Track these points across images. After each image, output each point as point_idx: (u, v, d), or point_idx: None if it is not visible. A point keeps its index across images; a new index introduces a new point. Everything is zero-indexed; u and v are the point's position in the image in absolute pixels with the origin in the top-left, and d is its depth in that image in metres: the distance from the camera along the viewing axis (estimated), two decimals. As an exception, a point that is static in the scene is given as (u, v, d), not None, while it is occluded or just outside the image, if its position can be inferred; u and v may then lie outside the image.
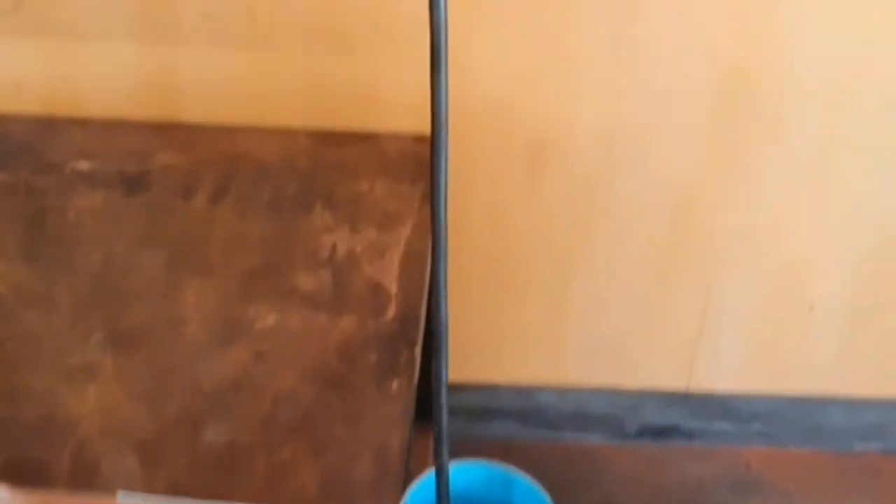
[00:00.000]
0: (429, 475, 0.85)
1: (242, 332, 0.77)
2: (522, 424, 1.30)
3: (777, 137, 1.06)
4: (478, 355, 1.24)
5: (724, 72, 1.03)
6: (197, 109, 1.05)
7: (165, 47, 1.02)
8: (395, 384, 0.72)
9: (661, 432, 1.31)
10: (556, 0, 0.98)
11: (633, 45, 1.01)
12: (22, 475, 0.65)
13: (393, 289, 0.80)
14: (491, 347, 1.24)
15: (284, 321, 0.78)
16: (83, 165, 0.92)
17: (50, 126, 0.95)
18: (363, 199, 0.90)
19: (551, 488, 0.90)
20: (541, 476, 0.92)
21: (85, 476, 0.65)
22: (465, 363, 1.23)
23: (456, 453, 0.75)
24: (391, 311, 0.78)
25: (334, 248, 0.84)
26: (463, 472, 0.88)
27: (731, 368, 1.27)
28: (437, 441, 0.52)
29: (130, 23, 1.02)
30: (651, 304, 1.21)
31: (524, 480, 0.88)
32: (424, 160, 0.96)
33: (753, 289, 1.19)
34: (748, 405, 1.28)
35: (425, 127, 1.01)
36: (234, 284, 0.81)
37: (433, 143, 0.59)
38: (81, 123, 0.97)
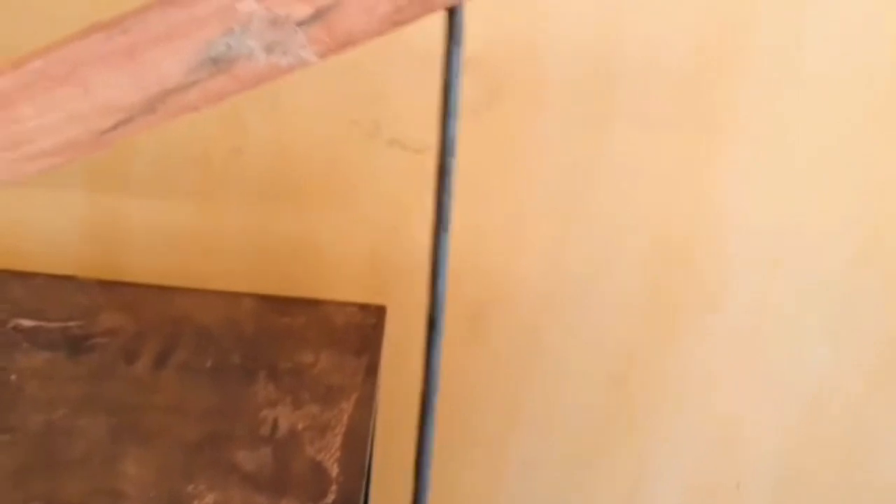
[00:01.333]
0: None
1: (181, 511, 0.76)
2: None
3: (714, 306, 1.11)
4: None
5: (662, 242, 1.08)
6: (143, 266, 1.06)
7: (114, 196, 1.03)
8: (333, 575, 0.73)
9: None
10: (503, 160, 1.02)
11: (578, 210, 1.05)
12: None
13: (334, 471, 0.81)
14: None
15: (224, 500, 0.77)
16: (26, 323, 0.91)
17: (-6, 279, 0.95)
18: (307, 372, 0.90)
19: None
20: None
21: None
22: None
23: None
24: (331, 496, 0.79)
25: (276, 423, 0.85)
26: None
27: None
28: None
29: (79, 170, 1.03)
30: (587, 468, 1.23)
31: None
32: (370, 331, 0.98)
33: (685, 461, 1.22)
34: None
35: (370, 295, 1.04)
36: (175, 457, 0.81)
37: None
38: (24, 278, 0.97)
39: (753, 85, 0.98)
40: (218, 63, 0.45)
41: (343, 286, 1.06)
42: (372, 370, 0.91)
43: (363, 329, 0.96)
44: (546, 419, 1.20)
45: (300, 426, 0.85)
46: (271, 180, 1.05)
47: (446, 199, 0.59)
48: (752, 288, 1.10)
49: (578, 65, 0.98)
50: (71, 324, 0.92)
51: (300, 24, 0.45)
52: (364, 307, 0.98)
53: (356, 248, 1.07)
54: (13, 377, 0.86)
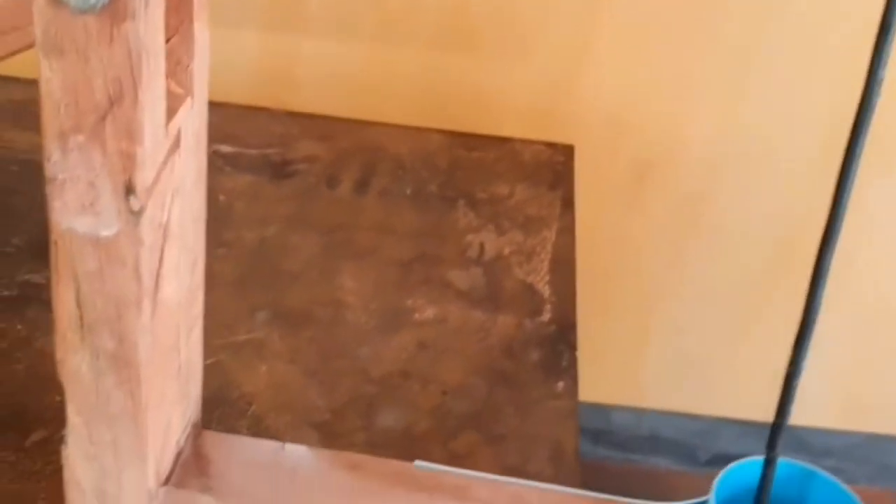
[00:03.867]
0: (734, 468, 0.82)
1: (404, 322, 0.77)
2: (593, 443, 1.31)
3: (892, 172, 1.08)
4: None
5: (844, 105, 1.04)
6: (315, 105, 1.06)
7: (288, 37, 1.03)
8: (560, 384, 0.73)
9: (733, 461, 1.31)
10: (678, 16, 1.00)
11: (755, 66, 1.02)
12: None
13: (546, 292, 0.81)
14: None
15: (443, 315, 0.78)
16: (225, 149, 0.92)
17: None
18: (504, 202, 0.90)
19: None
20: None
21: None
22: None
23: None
24: (547, 314, 0.79)
25: (482, 247, 0.85)
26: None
27: (810, 403, 1.27)
28: (775, 431, 0.52)
29: (253, 10, 1.03)
30: (738, 333, 1.22)
31: (830, 480, 0.86)
32: (560, 167, 0.98)
33: (844, 330, 1.20)
34: (823, 440, 1.29)
35: (553, 134, 1.03)
36: (390, 273, 0.81)
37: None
38: (218, 107, 0.97)
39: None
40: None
41: (524, 125, 1.05)
42: (568, 203, 0.91)
43: (553, 165, 0.96)
44: (702, 285, 1.19)
45: (506, 251, 0.85)
46: (447, 24, 1.03)
47: None
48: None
49: None
50: (269, 151, 0.92)
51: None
52: (551, 145, 0.98)
53: (533, 92, 1.06)
54: (221, 197, 0.87)
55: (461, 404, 0.71)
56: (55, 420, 0.66)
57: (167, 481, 0.38)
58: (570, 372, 0.74)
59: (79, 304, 0.33)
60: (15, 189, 0.84)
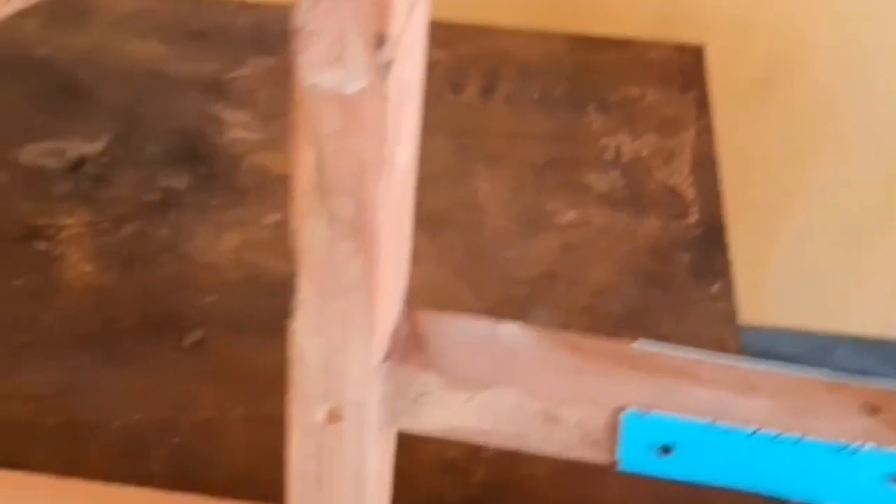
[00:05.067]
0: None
1: (545, 225, 0.75)
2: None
3: None
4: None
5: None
6: (446, 8, 1.03)
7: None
8: (716, 286, 0.71)
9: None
10: None
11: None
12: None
13: (690, 194, 0.79)
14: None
15: (585, 217, 0.76)
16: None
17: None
18: (636, 105, 0.87)
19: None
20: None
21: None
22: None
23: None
24: (693, 216, 0.77)
25: (618, 150, 0.83)
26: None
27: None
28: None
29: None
30: (861, 246, 1.18)
31: None
32: (691, 68, 0.94)
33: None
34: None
35: (678, 36, 0.99)
36: (526, 177, 0.79)
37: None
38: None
39: None
40: None
41: (645, 32, 1.02)
42: (703, 104, 0.88)
43: (683, 67, 0.92)
44: (827, 192, 1.15)
45: (644, 153, 0.82)
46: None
47: None
48: None
49: None
50: (391, 56, 0.90)
51: None
52: (680, 47, 0.94)
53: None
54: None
55: (614, 306, 0.69)
56: (209, 321, 0.65)
57: (387, 358, 0.36)
58: (724, 274, 0.72)
59: (318, 168, 0.31)
60: (143, 98, 0.83)
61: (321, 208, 0.32)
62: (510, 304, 0.69)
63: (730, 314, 0.69)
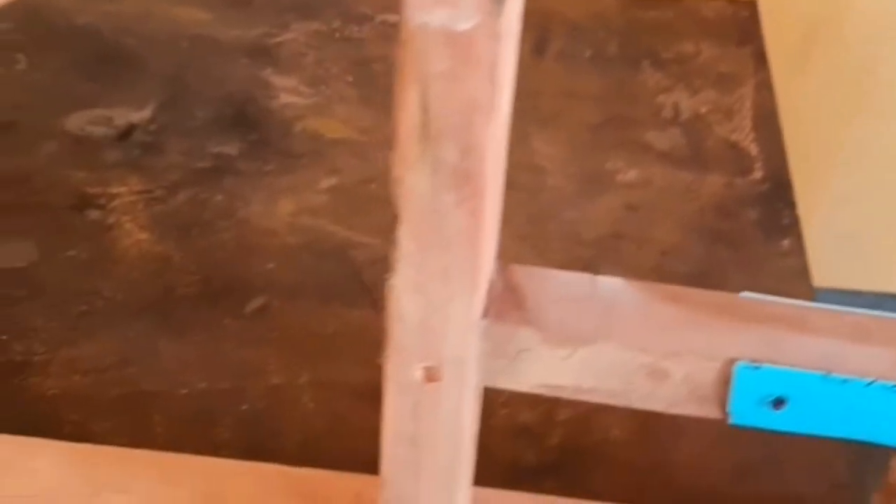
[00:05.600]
0: None
1: (606, 184, 0.73)
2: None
3: None
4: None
5: None
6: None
7: None
8: (785, 242, 0.69)
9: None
10: None
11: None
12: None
13: (753, 150, 0.76)
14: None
15: (647, 176, 0.74)
16: (392, 17, 0.88)
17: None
18: (691, 61, 0.85)
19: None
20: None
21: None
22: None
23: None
24: (758, 173, 0.74)
25: (676, 107, 0.80)
26: None
27: None
28: None
29: None
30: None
31: None
32: (746, 23, 0.92)
33: None
34: None
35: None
36: (583, 137, 0.77)
37: None
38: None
39: None
40: None
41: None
42: (761, 58, 0.85)
43: (738, 21, 0.90)
44: (869, 156, 1.12)
45: (703, 110, 0.80)
46: None
47: None
48: None
49: None
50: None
51: None
52: (734, 1, 0.92)
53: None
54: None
55: (682, 264, 0.67)
56: (270, 287, 0.64)
57: (485, 314, 0.35)
58: (793, 230, 0.70)
59: (423, 111, 0.30)
60: (188, 64, 0.81)
61: (425, 155, 0.30)
62: (576, 265, 0.67)
63: (802, 271, 0.67)
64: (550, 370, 0.36)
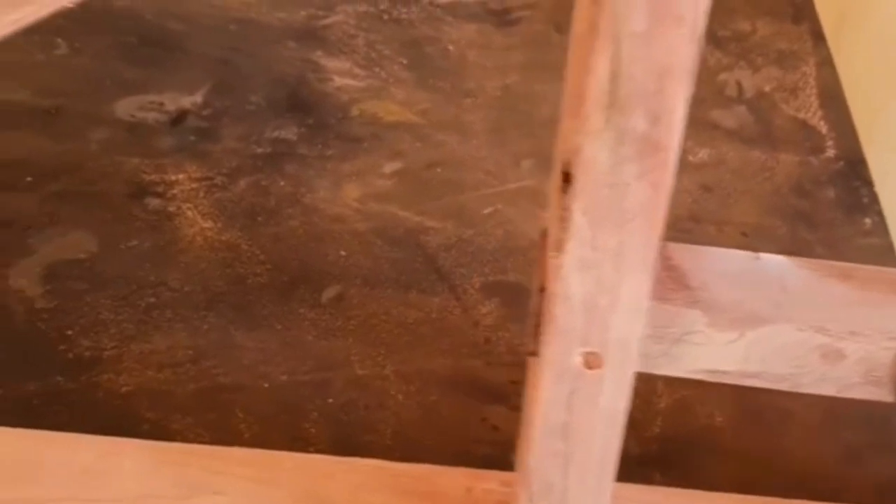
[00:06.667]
0: None
1: (679, 165, 0.71)
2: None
3: None
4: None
5: None
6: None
7: None
8: (867, 221, 0.67)
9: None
10: None
11: None
12: (500, 295, 0.61)
13: (822, 128, 0.74)
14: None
15: (719, 155, 0.72)
16: (440, -2, 0.86)
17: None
18: (749, 38, 0.83)
19: None
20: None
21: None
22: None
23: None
24: (831, 151, 0.72)
25: (740, 85, 0.78)
26: None
27: None
28: None
29: None
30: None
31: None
32: (800, 0, 0.90)
33: None
34: None
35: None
36: (649, 117, 0.75)
37: None
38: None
39: None
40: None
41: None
42: (819, 36, 0.83)
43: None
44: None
45: (767, 88, 0.78)
46: None
47: None
48: None
49: None
50: (487, -3, 0.86)
51: None
52: (785, -23, 0.90)
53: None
54: (450, 47, 0.81)
55: (766, 245, 0.65)
56: (345, 275, 0.62)
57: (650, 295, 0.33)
58: (873, 208, 0.68)
59: (613, 76, 0.27)
60: (238, 48, 0.78)
61: (610, 123, 0.28)
62: (657, 247, 0.65)
63: (888, 249, 0.65)
64: (714, 354, 0.34)
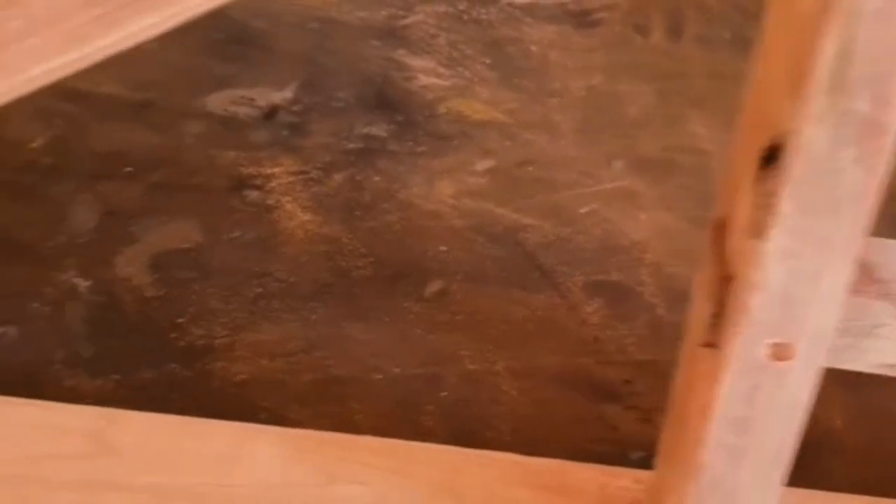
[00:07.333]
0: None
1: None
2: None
3: None
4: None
5: None
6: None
7: None
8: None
9: None
10: None
11: None
12: (604, 295, 0.61)
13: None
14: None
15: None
16: (519, 0, 0.86)
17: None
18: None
19: None
20: None
21: (670, 297, 0.61)
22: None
23: None
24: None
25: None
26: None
27: None
28: None
29: None
30: None
31: None
32: None
33: None
34: None
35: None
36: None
37: None
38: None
39: None
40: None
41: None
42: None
43: None
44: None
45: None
46: None
47: None
48: None
49: None
50: (565, 0, 0.86)
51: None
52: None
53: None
54: (533, 48, 0.81)
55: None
56: (446, 271, 0.62)
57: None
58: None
59: (842, 58, 0.27)
60: (321, 45, 0.79)
61: (832, 107, 0.28)
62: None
63: None
64: (900, 347, 0.34)
